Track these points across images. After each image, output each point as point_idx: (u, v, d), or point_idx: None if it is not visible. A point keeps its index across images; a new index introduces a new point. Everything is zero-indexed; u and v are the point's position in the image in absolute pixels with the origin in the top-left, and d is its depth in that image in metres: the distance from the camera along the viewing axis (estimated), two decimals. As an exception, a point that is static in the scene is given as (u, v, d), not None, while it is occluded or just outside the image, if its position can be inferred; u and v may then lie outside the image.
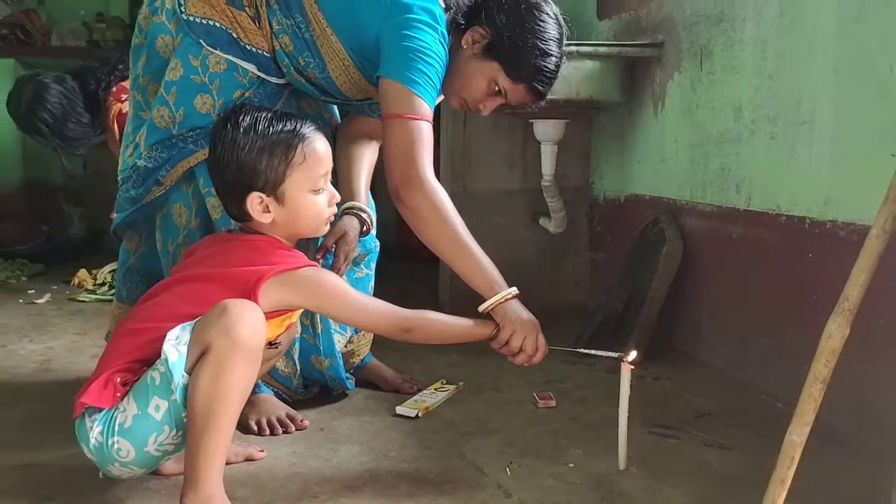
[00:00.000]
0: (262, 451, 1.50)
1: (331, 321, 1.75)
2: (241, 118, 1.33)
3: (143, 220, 1.71)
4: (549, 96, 2.31)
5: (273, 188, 1.32)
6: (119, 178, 1.70)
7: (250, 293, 1.25)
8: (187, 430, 1.19)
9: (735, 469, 1.46)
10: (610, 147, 2.66)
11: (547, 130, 2.54)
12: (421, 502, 1.31)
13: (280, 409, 1.66)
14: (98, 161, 3.59)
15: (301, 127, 1.35)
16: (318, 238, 1.63)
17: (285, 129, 1.33)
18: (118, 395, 1.21)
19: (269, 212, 1.33)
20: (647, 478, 1.42)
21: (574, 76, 2.32)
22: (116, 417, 1.21)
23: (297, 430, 1.62)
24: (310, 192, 1.35)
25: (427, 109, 1.49)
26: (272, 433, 1.60)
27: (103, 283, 3.16)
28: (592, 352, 1.54)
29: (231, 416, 1.20)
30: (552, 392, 1.84)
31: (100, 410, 1.22)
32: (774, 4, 1.81)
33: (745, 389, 1.89)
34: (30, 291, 3.07)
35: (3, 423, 1.66)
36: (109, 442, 1.21)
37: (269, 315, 1.28)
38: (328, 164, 1.38)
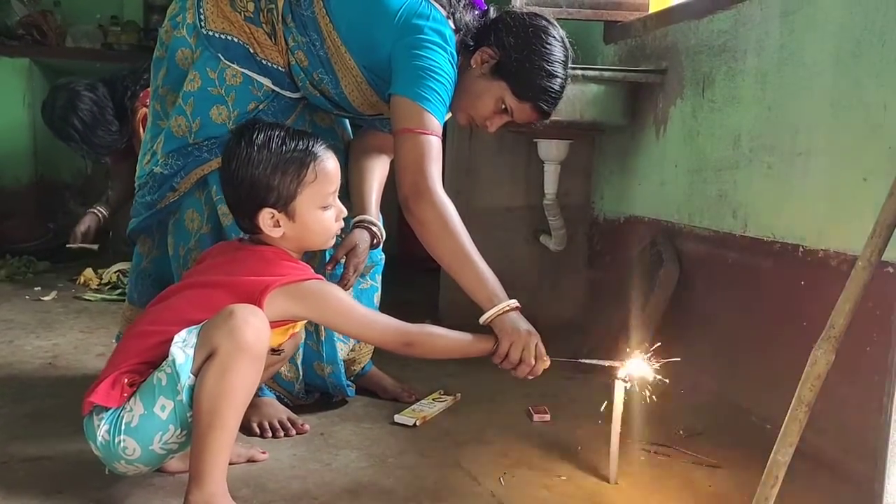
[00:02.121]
0: (264, 452, 1.54)
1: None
2: (255, 135, 1.37)
3: (157, 226, 1.77)
4: (553, 117, 2.39)
5: (285, 205, 1.37)
6: (136, 183, 1.76)
7: (256, 302, 1.29)
8: (192, 430, 1.24)
9: (723, 488, 1.50)
10: (611, 168, 2.71)
11: (550, 150, 2.60)
12: (417, 508, 1.36)
13: (282, 412, 1.70)
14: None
15: (313, 146, 1.40)
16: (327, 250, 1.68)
17: (298, 147, 1.38)
18: (125, 395, 1.26)
19: (279, 226, 1.38)
20: (637, 493, 1.46)
21: (579, 99, 2.38)
22: (123, 417, 1.25)
23: (297, 433, 1.66)
24: (319, 208, 1.40)
25: (436, 125, 1.55)
26: (273, 435, 1.64)
27: (108, 283, 3.21)
28: (594, 362, 1.57)
29: (235, 417, 1.25)
30: (547, 406, 1.89)
31: (107, 409, 1.26)
32: (776, 37, 1.87)
33: (736, 411, 1.93)
34: (36, 288, 3.11)
35: (12, 416, 1.70)
36: (116, 440, 1.25)
37: (274, 324, 1.32)
38: (337, 181, 1.43)
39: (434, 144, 1.53)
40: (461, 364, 2.14)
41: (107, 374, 1.29)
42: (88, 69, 3.65)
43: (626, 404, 1.50)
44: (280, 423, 1.67)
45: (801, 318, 1.74)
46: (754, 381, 1.92)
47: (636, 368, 1.49)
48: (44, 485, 1.37)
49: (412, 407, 1.84)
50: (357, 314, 1.38)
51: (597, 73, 2.39)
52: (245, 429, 1.65)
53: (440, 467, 1.54)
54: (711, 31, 2.13)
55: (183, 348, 1.23)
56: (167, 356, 1.25)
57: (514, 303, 1.50)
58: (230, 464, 1.46)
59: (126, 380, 1.27)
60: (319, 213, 1.40)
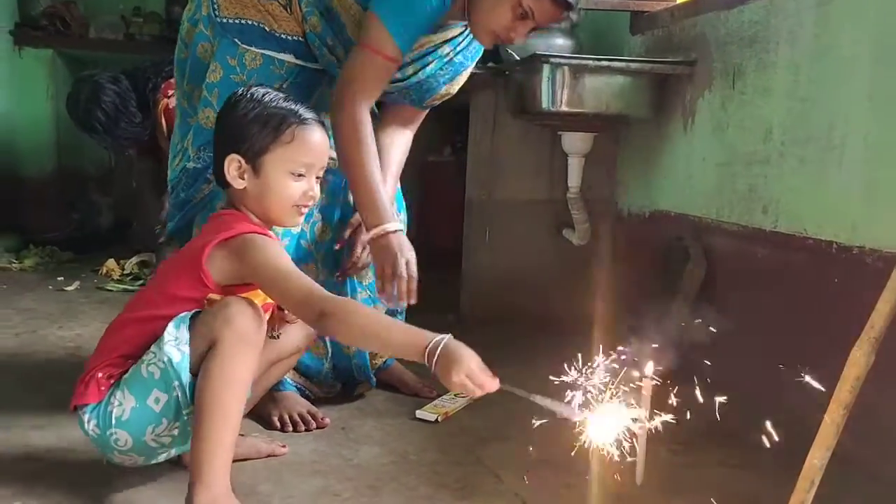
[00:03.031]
0: (284, 446, 1.52)
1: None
2: (256, 91, 1.36)
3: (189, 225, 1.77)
4: (578, 109, 2.36)
5: (254, 156, 1.31)
6: (169, 186, 1.77)
7: (197, 267, 1.26)
8: (194, 427, 1.21)
9: (751, 489, 1.47)
10: (637, 162, 2.67)
11: (575, 143, 2.56)
12: (440, 506, 1.34)
13: (302, 405, 1.69)
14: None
15: (304, 111, 1.35)
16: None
17: (287, 107, 1.34)
18: (103, 388, 1.25)
19: (243, 179, 1.32)
20: (664, 494, 1.43)
21: (605, 91, 2.34)
22: (112, 411, 1.24)
23: (317, 427, 1.65)
24: (288, 173, 1.33)
25: (391, 47, 1.58)
26: (294, 429, 1.63)
27: (130, 273, 3.21)
28: (547, 403, 1.30)
29: (237, 410, 1.24)
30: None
31: (88, 405, 1.26)
32: (810, 28, 1.82)
33: (764, 411, 1.88)
34: (59, 278, 3.12)
35: (34, 406, 1.70)
36: (108, 433, 1.25)
37: (237, 288, 1.29)
38: (317, 156, 1.36)
39: (374, 63, 1.59)
40: (482, 359, 2.13)
41: (86, 370, 1.29)
42: (111, 60, 3.66)
43: (653, 404, 1.46)
44: (300, 416, 1.65)
45: (833, 316, 1.69)
46: (783, 381, 1.88)
47: (600, 423, 1.27)
48: (65, 474, 1.37)
49: (433, 402, 1.82)
50: (273, 266, 1.25)
51: (623, 64, 2.35)
52: (265, 422, 1.64)
53: (462, 464, 1.52)
54: (742, 21, 2.08)
55: (177, 346, 1.21)
56: (142, 345, 1.25)
57: (395, 226, 1.57)
58: (248, 459, 1.46)
59: (100, 374, 1.26)
60: (286, 178, 1.33)
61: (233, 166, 1.32)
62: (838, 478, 1.17)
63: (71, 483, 1.34)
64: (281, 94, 1.37)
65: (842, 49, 1.72)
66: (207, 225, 1.39)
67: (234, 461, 1.44)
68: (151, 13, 4.16)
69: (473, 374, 1.16)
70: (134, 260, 3.28)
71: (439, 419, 1.73)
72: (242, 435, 1.52)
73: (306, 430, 1.63)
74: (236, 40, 1.63)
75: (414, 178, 4.12)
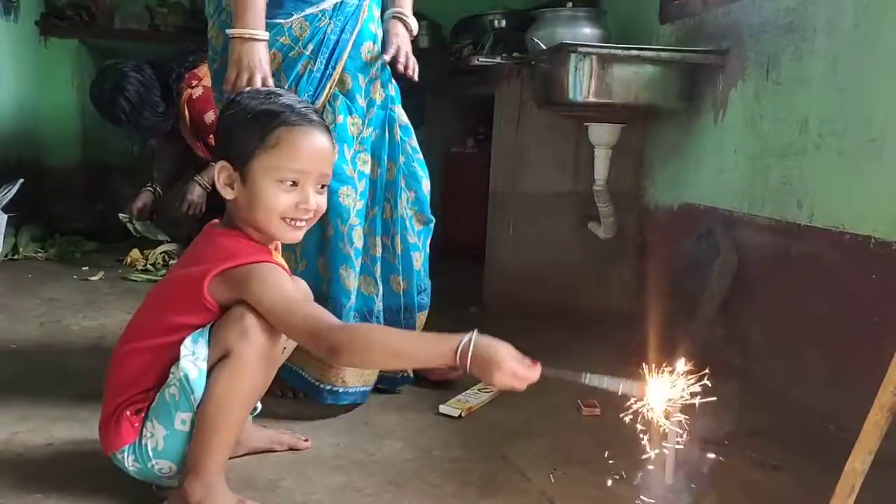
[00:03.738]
0: (306, 440, 1.51)
1: (409, 240, 1.79)
2: (258, 90, 1.30)
3: None
4: (606, 99, 2.32)
5: (241, 164, 1.22)
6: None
7: (199, 296, 1.19)
8: (197, 424, 1.18)
9: (784, 491, 1.43)
10: (665, 154, 2.61)
11: (602, 134, 2.51)
12: (464, 504, 1.31)
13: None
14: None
15: (292, 111, 1.23)
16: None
17: (273, 107, 1.23)
18: (136, 426, 1.22)
19: (232, 188, 1.23)
20: (694, 495, 1.39)
21: (634, 81, 2.29)
22: (146, 444, 1.21)
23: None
24: (275, 181, 1.21)
25: None
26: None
27: (155, 263, 3.22)
28: (600, 381, 1.26)
29: (242, 417, 1.23)
30: (597, 400, 1.82)
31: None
32: (849, 17, 1.76)
33: (798, 410, 1.84)
34: (84, 268, 3.13)
35: (57, 397, 1.70)
36: (149, 465, 1.22)
37: None
38: (311, 162, 1.23)
39: None
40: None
41: (108, 411, 1.24)
42: (136, 50, 3.66)
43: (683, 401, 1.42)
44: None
45: (871, 313, 1.64)
46: (819, 380, 1.83)
47: (657, 393, 1.24)
48: (86, 466, 1.36)
49: (457, 397, 1.79)
50: (278, 302, 1.16)
51: (653, 53, 2.29)
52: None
53: (487, 461, 1.49)
54: (777, 9, 2.02)
55: (194, 362, 1.18)
56: (162, 373, 1.21)
57: (262, 35, 1.51)
58: (272, 451, 1.45)
59: (128, 411, 1.22)
60: (273, 187, 1.21)
61: (223, 175, 1.23)
62: (880, 483, 1.12)
63: (92, 474, 1.33)
64: (282, 91, 1.28)
65: (882, 37, 1.66)
66: (204, 246, 1.27)
67: (256, 453, 1.44)
68: (176, 3, 4.16)
69: (516, 371, 1.10)
70: (158, 250, 3.28)
71: (463, 414, 1.71)
72: (264, 426, 1.51)
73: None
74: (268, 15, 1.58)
75: (436, 170, 4.11)
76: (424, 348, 1.16)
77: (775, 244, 2.00)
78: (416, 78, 1.77)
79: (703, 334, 2.11)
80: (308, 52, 1.64)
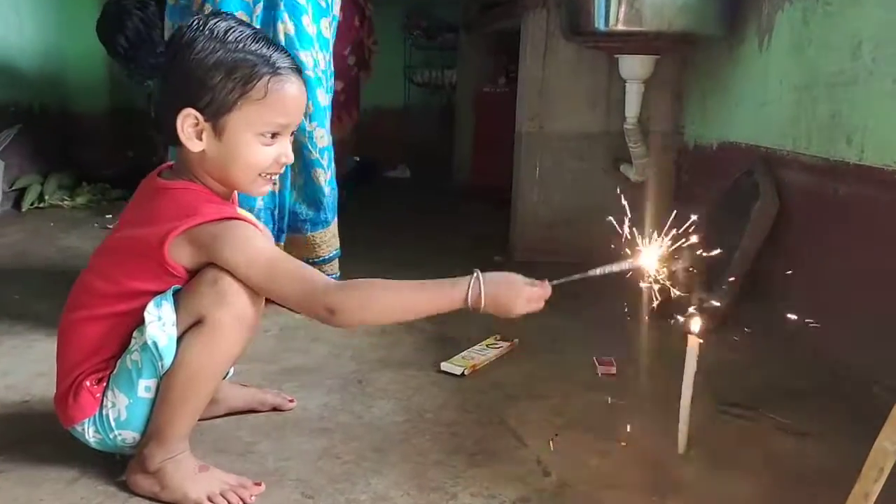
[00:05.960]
0: (291, 400, 1.42)
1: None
2: (217, 22, 1.13)
3: None
4: (638, 27, 2.11)
5: (216, 114, 1.10)
6: None
7: (160, 261, 1.08)
8: (162, 390, 1.09)
9: (814, 462, 1.28)
10: (704, 88, 2.39)
11: (634, 67, 2.31)
12: (448, 473, 1.20)
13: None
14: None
15: (279, 59, 1.12)
16: None
17: (259, 51, 1.11)
18: (97, 396, 1.13)
19: (200, 140, 1.11)
20: (709, 465, 1.25)
21: (668, 5, 2.07)
22: (108, 415, 1.12)
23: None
24: (257, 135, 1.11)
25: None
26: None
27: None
28: (597, 271, 1.26)
29: (213, 386, 1.13)
30: (615, 358, 1.68)
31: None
32: (914, -81, 1.51)
33: (839, 369, 1.66)
34: (107, 216, 3.11)
35: (46, 353, 1.64)
36: (111, 436, 1.14)
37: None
38: (294, 114, 1.15)
39: None
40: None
41: (65, 383, 1.14)
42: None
43: (707, 356, 1.27)
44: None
45: (925, 264, 1.45)
46: (862, 336, 1.64)
47: (650, 259, 1.29)
48: (58, 428, 1.30)
49: (462, 354, 1.68)
50: (265, 258, 1.07)
51: (689, -27, 2.06)
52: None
53: (483, 425, 1.37)
54: (831, -84, 1.77)
55: (162, 328, 1.07)
56: (124, 340, 1.11)
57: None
58: (253, 412, 1.37)
59: (88, 381, 1.13)
60: (254, 141, 1.11)
61: (188, 123, 1.10)
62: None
63: (61, 437, 1.27)
64: (248, 30, 1.13)
65: (953, -59, 1.42)
66: (159, 201, 1.12)
67: (236, 414, 1.36)
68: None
69: (531, 295, 1.09)
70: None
71: (466, 372, 1.59)
72: (245, 385, 1.43)
73: None
74: None
75: (468, 109, 3.93)
76: (431, 298, 1.09)
77: (821, 185, 1.79)
78: None
79: (739, 284, 1.93)
80: None
